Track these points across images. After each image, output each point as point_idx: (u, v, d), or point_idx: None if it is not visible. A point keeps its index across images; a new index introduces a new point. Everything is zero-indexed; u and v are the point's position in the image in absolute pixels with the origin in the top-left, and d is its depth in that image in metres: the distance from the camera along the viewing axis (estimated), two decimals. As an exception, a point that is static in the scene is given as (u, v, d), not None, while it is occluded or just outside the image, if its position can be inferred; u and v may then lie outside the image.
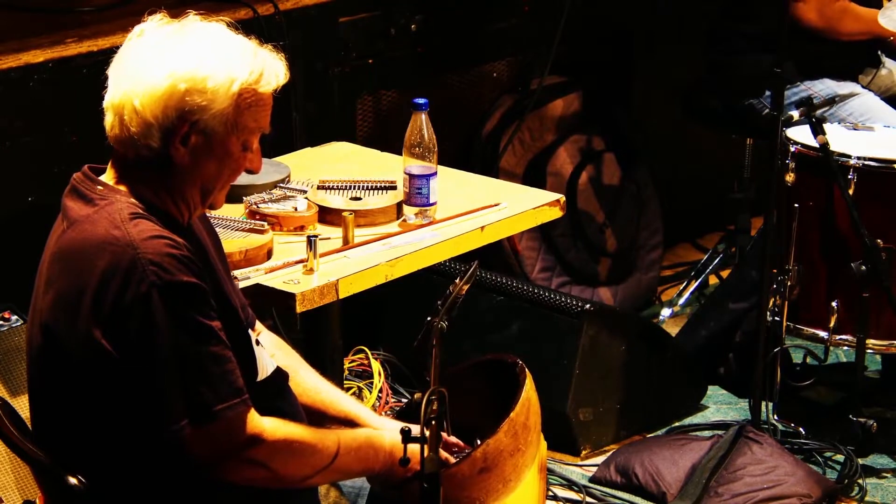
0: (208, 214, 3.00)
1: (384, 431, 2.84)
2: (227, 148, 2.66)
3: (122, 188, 2.66)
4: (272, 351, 2.95)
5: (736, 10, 4.96)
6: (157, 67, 2.59)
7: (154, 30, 2.66)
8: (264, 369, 2.79)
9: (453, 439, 2.99)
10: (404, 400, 4.53)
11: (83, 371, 2.60)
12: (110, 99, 2.63)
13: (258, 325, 2.93)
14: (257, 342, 2.81)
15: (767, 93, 4.77)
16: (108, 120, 2.64)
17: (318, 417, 2.95)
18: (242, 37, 2.70)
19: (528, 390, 2.91)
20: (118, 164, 2.68)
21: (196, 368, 2.57)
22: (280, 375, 2.86)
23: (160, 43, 2.63)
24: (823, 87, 4.77)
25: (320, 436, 2.73)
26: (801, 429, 4.39)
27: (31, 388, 2.74)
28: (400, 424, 2.99)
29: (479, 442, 2.92)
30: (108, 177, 2.69)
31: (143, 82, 2.59)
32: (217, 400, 2.58)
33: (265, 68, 2.67)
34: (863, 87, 4.86)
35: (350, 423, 3.00)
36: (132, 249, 2.55)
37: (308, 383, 2.98)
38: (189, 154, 2.64)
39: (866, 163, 4.19)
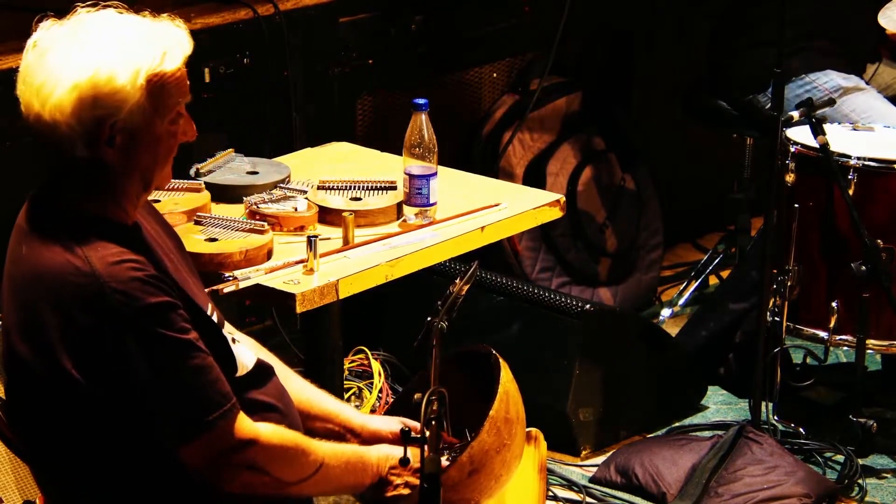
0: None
1: (371, 447, 2.85)
2: (155, 134, 2.61)
3: (69, 205, 2.61)
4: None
5: (741, 6, 4.95)
6: (60, 81, 2.54)
7: (46, 39, 2.60)
8: (243, 366, 2.77)
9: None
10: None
11: (58, 398, 2.57)
12: (25, 118, 2.58)
13: (228, 326, 2.90)
14: (234, 340, 2.80)
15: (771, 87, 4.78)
16: (34, 135, 2.59)
17: (302, 417, 2.94)
18: (134, 17, 2.63)
19: (505, 383, 2.90)
20: (55, 177, 2.64)
21: (181, 387, 2.56)
22: (262, 368, 2.84)
23: (56, 52, 2.57)
24: (828, 79, 4.77)
25: (314, 444, 2.73)
26: (801, 429, 4.39)
27: (9, 396, 2.72)
28: (380, 420, 3.01)
29: (468, 434, 2.92)
30: (51, 188, 2.65)
31: (51, 99, 2.54)
32: (207, 411, 2.57)
33: (167, 46, 2.60)
34: (866, 82, 4.86)
35: (332, 420, 3.00)
36: (95, 279, 2.52)
37: (290, 384, 2.97)
38: (119, 153, 2.59)
39: (866, 163, 4.19)
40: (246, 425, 2.62)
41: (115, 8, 2.64)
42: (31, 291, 2.58)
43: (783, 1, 4.07)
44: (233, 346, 2.76)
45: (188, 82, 2.65)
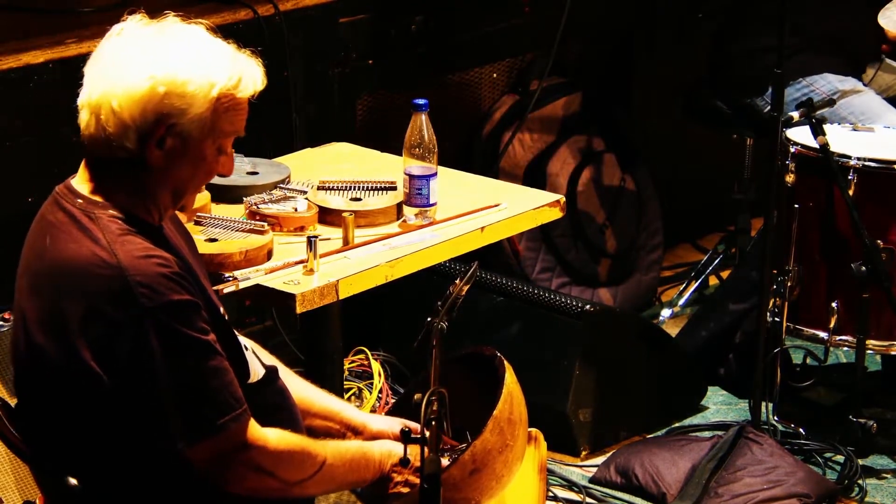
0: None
1: (374, 442, 2.86)
2: (202, 152, 2.64)
3: (99, 199, 2.63)
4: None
5: (739, 8, 4.95)
6: (137, 69, 2.57)
7: (134, 30, 2.64)
8: (255, 373, 2.79)
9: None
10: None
11: (75, 390, 2.58)
12: (87, 97, 2.61)
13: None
14: (246, 347, 2.81)
15: (770, 90, 4.78)
16: (84, 118, 2.62)
17: (302, 415, 2.95)
18: (221, 40, 2.68)
19: (509, 384, 2.91)
20: (91, 167, 2.66)
21: (196, 386, 2.57)
22: (270, 371, 2.85)
23: (140, 44, 2.61)
24: (825, 83, 4.77)
25: (318, 445, 2.74)
26: (801, 429, 4.39)
27: (19, 394, 2.73)
28: (384, 419, 3.01)
29: (468, 436, 2.92)
30: (82, 180, 2.66)
31: (122, 83, 2.57)
32: (219, 413, 2.58)
33: (244, 74, 2.65)
34: (864, 84, 4.86)
35: (333, 419, 3.01)
36: (121, 271, 2.53)
37: (291, 384, 2.97)
38: (164, 157, 2.62)
39: (866, 163, 4.19)
40: (255, 431, 2.63)
41: (204, 26, 2.69)
42: (54, 282, 2.59)
43: (783, 1, 4.07)
44: (246, 353, 2.77)
45: (245, 120, 2.68)
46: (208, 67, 2.61)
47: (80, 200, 2.63)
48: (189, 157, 2.64)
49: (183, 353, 2.55)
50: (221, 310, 2.78)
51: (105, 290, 2.53)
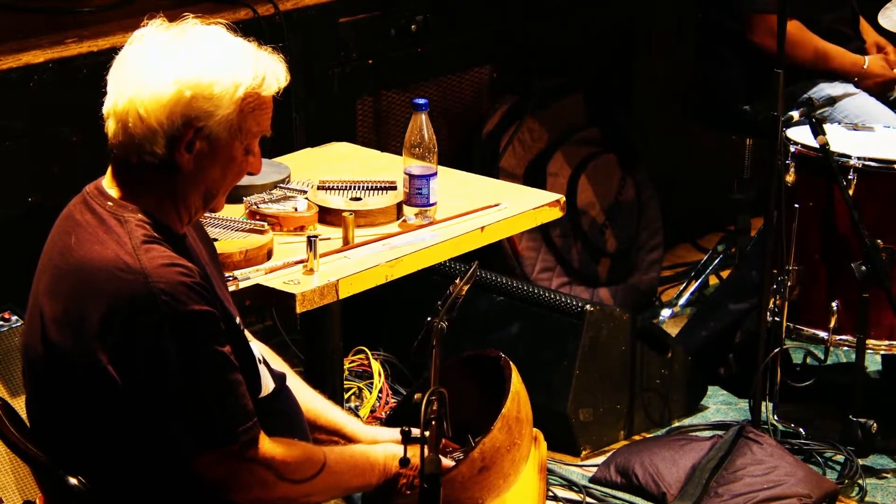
0: (203, 217, 2.99)
1: (376, 445, 2.86)
2: (231, 153, 2.65)
3: (129, 203, 2.63)
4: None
5: (719, 22, 4.96)
6: (162, 73, 2.57)
7: (154, 35, 2.63)
8: (266, 387, 2.79)
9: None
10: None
11: (88, 391, 2.58)
12: (112, 105, 2.60)
13: (247, 333, 2.91)
14: (260, 360, 2.81)
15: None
16: (111, 127, 2.61)
17: (308, 428, 2.95)
18: (242, 39, 2.68)
19: (516, 383, 2.92)
20: (120, 172, 2.66)
21: (209, 396, 2.57)
22: (279, 381, 2.86)
23: (163, 48, 2.60)
24: (816, 90, 4.77)
25: (319, 451, 2.74)
26: (801, 429, 4.39)
27: (29, 387, 2.73)
28: (388, 432, 3.01)
29: (471, 439, 2.92)
30: (110, 184, 2.66)
31: (148, 89, 2.57)
32: (230, 425, 2.58)
33: (267, 71, 2.66)
34: (856, 86, 4.85)
35: (339, 433, 3.01)
36: (144, 277, 2.53)
37: (298, 394, 2.97)
38: (194, 160, 2.62)
39: (866, 163, 4.19)
40: (264, 444, 2.63)
41: (224, 26, 2.68)
42: (76, 282, 2.59)
43: (784, 2, 4.07)
44: (259, 367, 2.78)
45: (271, 119, 2.69)
46: (233, 68, 2.61)
47: (109, 203, 2.63)
48: (218, 158, 2.64)
49: (198, 362, 2.55)
50: (238, 319, 2.78)
51: (127, 294, 2.53)
